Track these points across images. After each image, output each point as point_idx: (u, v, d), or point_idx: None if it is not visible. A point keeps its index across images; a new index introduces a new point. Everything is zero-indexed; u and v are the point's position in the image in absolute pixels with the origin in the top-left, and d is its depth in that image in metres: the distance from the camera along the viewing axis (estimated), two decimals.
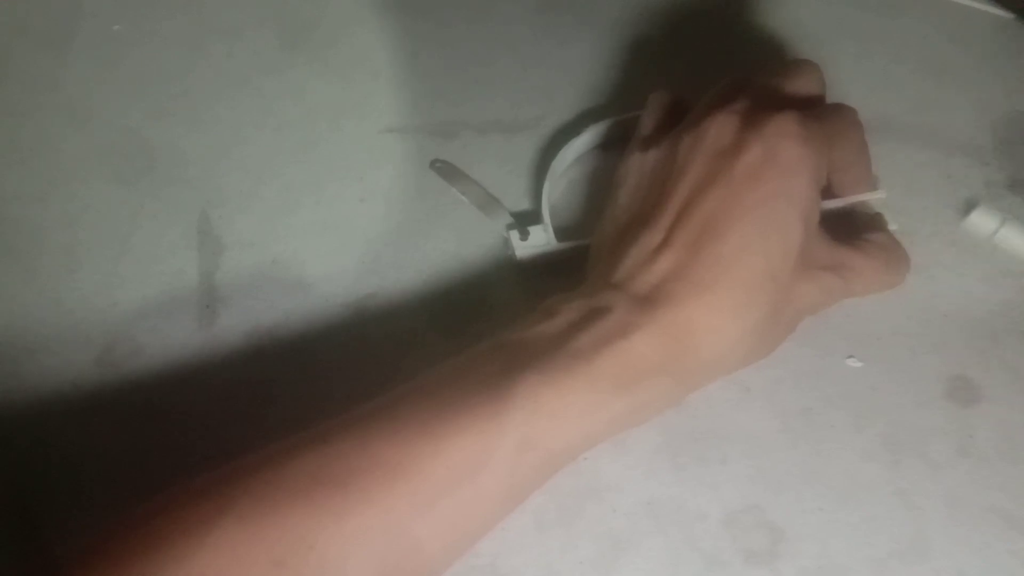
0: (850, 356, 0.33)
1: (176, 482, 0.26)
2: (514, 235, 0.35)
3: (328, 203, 0.38)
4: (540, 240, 0.35)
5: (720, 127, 0.30)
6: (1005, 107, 0.40)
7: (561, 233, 0.36)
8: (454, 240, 0.36)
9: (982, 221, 0.35)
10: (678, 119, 0.33)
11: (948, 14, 0.44)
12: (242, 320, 0.34)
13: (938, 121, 0.40)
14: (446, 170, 0.38)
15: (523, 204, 0.37)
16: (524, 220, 0.36)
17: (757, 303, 0.29)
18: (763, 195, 0.29)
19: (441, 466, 0.25)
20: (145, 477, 0.30)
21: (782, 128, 0.29)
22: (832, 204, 0.34)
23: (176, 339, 0.34)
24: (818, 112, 0.32)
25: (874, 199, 0.35)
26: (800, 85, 0.33)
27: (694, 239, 0.29)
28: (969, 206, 0.36)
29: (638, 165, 0.33)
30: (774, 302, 0.29)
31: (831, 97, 0.35)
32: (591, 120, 0.39)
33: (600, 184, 0.38)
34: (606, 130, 0.38)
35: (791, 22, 0.43)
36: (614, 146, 0.38)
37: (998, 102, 0.40)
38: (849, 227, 0.33)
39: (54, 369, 0.33)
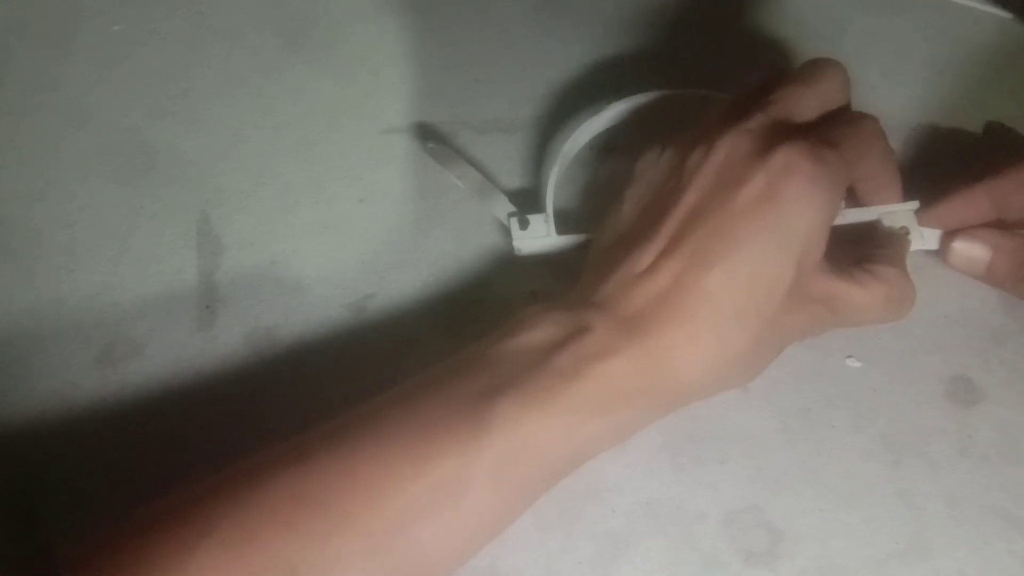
0: (849, 356, 0.33)
1: (167, 488, 0.26)
2: (514, 223, 0.34)
3: (327, 203, 0.38)
4: (540, 231, 0.34)
5: (730, 149, 0.30)
6: (1004, 107, 0.40)
7: (562, 226, 0.35)
8: (453, 240, 0.36)
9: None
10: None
11: (948, 14, 0.44)
12: (241, 320, 0.34)
13: (938, 121, 0.40)
14: (441, 153, 0.37)
15: (522, 204, 0.37)
16: (524, 210, 0.36)
17: (739, 335, 0.28)
18: (757, 229, 0.28)
19: (421, 488, 0.25)
20: (144, 477, 0.30)
21: (789, 163, 0.28)
22: (856, 215, 0.33)
23: (175, 339, 0.34)
24: (836, 134, 0.30)
25: (903, 210, 0.34)
26: (823, 92, 0.32)
27: (682, 267, 0.28)
28: None
29: (652, 165, 0.32)
30: (756, 334, 0.28)
31: None
32: (590, 121, 0.38)
33: (603, 185, 0.38)
34: (626, 111, 0.37)
35: (792, 22, 0.43)
36: (621, 149, 0.38)
37: (998, 102, 0.40)
38: (865, 246, 0.32)
39: (53, 369, 0.33)
